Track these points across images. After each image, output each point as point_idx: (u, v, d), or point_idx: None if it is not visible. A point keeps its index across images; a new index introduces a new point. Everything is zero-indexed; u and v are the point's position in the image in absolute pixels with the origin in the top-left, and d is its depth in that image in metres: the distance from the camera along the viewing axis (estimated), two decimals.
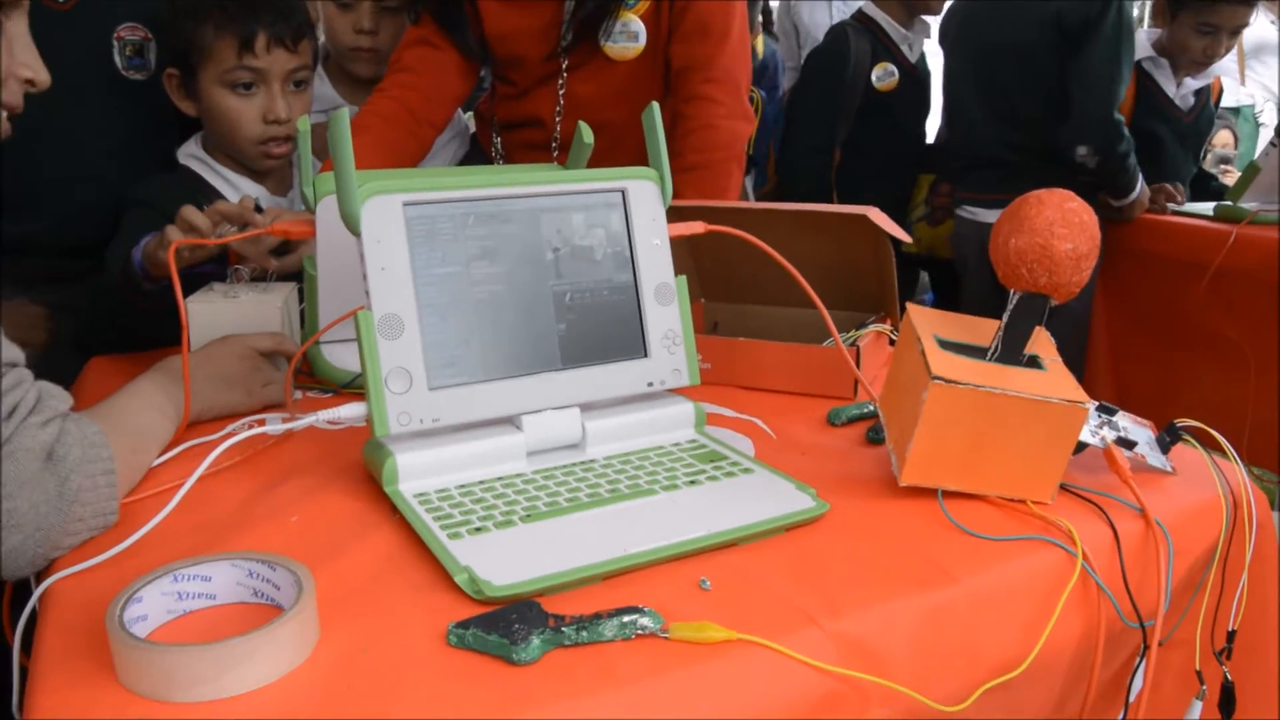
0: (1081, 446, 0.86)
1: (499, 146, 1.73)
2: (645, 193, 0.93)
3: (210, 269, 1.23)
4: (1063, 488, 0.83)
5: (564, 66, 1.57)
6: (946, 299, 2.83)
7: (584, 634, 0.62)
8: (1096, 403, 0.90)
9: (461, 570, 0.68)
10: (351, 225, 0.82)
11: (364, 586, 0.70)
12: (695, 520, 0.76)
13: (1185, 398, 2.28)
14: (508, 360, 0.86)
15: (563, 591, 0.68)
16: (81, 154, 1.40)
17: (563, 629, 0.62)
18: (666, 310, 0.93)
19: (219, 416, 1.01)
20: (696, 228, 0.96)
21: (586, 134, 1.08)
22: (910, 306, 0.90)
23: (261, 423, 1.02)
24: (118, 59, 1.44)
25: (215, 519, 0.80)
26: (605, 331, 0.91)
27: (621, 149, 1.55)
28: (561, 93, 1.59)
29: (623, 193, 0.92)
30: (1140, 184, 2.25)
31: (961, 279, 2.47)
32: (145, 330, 1.23)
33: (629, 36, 1.54)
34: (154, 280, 1.19)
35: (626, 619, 0.62)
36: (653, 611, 0.63)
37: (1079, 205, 0.80)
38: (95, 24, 1.40)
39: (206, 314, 1.10)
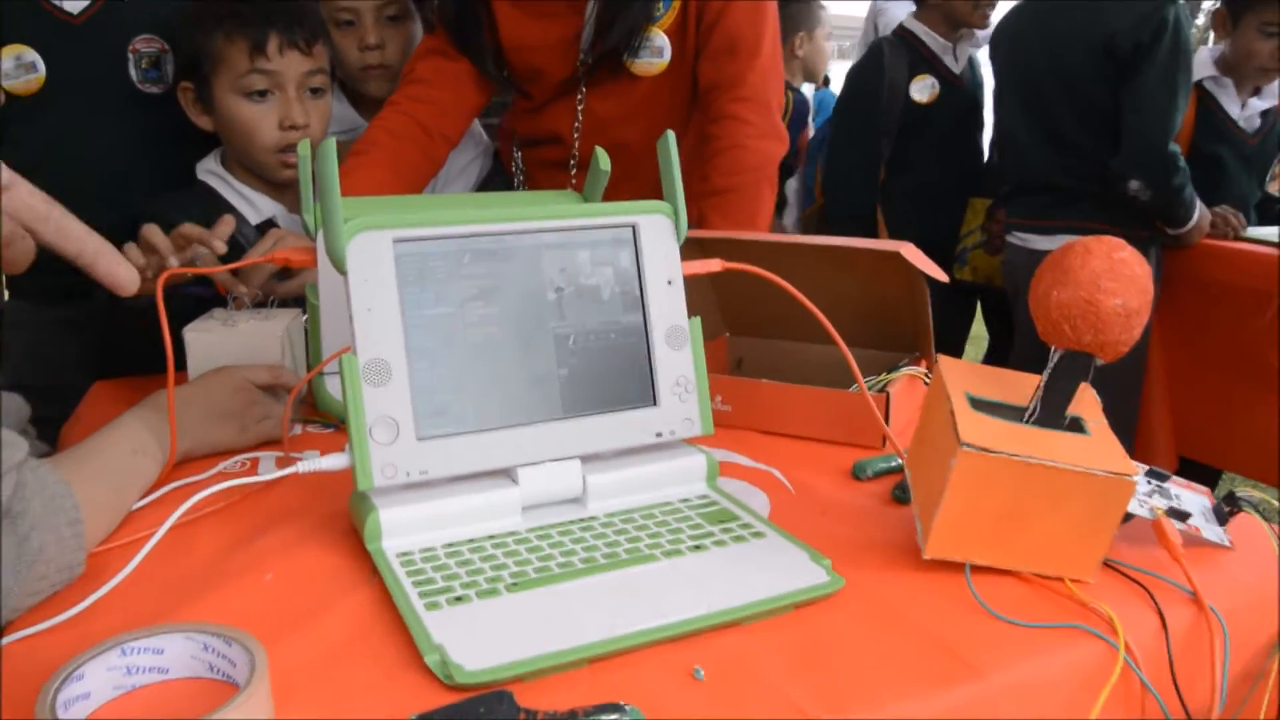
0: (1128, 516, 0.78)
1: (519, 163, 1.68)
2: (658, 228, 0.87)
3: (198, 289, 1.19)
4: (1105, 564, 0.75)
5: (583, 81, 1.51)
6: (1002, 331, 2.73)
7: None
8: (1146, 468, 0.82)
9: (433, 650, 0.63)
10: (337, 263, 0.77)
11: (329, 661, 0.64)
12: (696, 595, 0.69)
13: (1247, 435, 2.16)
14: (503, 408, 0.81)
15: (542, 677, 0.62)
16: (96, 169, 1.37)
17: None
18: (678, 355, 0.87)
19: (210, 453, 0.97)
20: (713, 265, 0.90)
21: (603, 160, 1.02)
22: (941, 360, 0.82)
23: (255, 462, 0.98)
24: (133, 72, 1.41)
25: (187, 573, 0.75)
26: (611, 377, 0.84)
27: (642, 171, 1.49)
28: (580, 109, 1.53)
29: (633, 228, 0.86)
30: (1199, 211, 2.14)
31: (1012, 310, 2.37)
32: (145, 349, 1.20)
33: (653, 52, 1.48)
34: (134, 298, 1.15)
35: (605, 719, 0.56)
36: (635, 710, 0.57)
37: (1130, 256, 0.72)
38: (110, 36, 1.37)
39: (204, 344, 1.06)
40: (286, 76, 1.32)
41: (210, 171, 1.41)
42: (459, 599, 0.69)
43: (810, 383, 1.03)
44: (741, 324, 1.21)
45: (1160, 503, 0.79)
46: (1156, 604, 0.71)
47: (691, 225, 1.48)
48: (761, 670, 0.63)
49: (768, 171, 1.52)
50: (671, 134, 0.87)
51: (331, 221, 0.76)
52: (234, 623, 0.67)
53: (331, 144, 0.76)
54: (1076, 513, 0.71)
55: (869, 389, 1.03)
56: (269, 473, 0.79)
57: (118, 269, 0.68)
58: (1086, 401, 0.78)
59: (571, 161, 1.58)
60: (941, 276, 1.02)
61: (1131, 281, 0.71)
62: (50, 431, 1.07)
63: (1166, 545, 0.76)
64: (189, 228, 1.12)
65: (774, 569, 0.73)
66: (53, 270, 1.37)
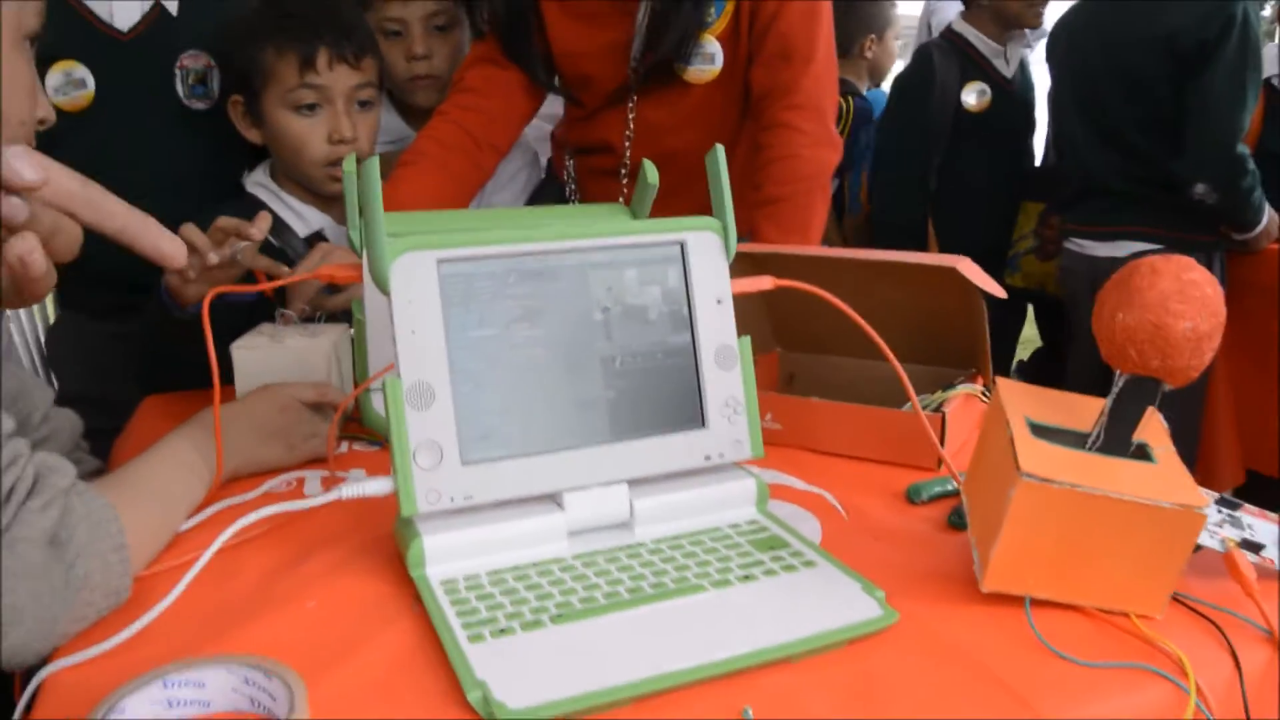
0: (1198, 547, 0.74)
1: (571, 171, 1.67)
2: (706, 245, 0.85)
3: (246, 297, 1.20)
4: (1175, 599, 0.72)
5: (634, 89, 1.50)
6: (1055, 336, 2.66)
7: None
8: (1216, 496, 0.78)
9: (476, 686, 0.61)
10: (381, 284, 0.76)
11: (372, 695, 0.63)
12: (745, 630, 0.67)
13: None
14: (549, 432, 0.79)
15: (586, 715, 0.60)
16: (143, 185, 1.38)
17: None
18: (728, 375, 0.85)
19: (257, 472, 0.97)
20: (764, 283, 0.88)
21: (651, 174, 1.00)
22: (1000, 382, 0.80)
23: (301, 481, 0.98)
24: (180, 88, 1.42)
25: (232, 600, 0.75)
26: (659, 400, 0.83)
27: (695, 181, 1.47)
28: (631, 117, 1.51)
29: (681, 245, 0.84)
30: (1267, 214, 2.06)
31: (1070, 318, 2.31)
32: (193, 364, 1.21)
33: (705, 59, 1.46)
34: (182, 309, 1.16)
35: None
36: None
37: (1201, 276, 0.69)
38: (158, 53, 1.38)
39: (252, 360, 1.06)
40: (335, 90, 1.32)
41: (259, 184, 1.42)
42: (503, 631, 0.67)
43: (863, 400, 1.01)
44: (793, 339, 1.19)
45: (1232, 533, 0.76)
46: (1229, 643, 0.68)
47: (743, 235, 1.47)
48: (812, 710, 0.61)
49: (821, 180, 1.50)
50: (720, 148, 0.86)
51: (375, 241, 0.75)
52: (276, 652, 0.67)
53: (374, 162, 0.76)
54: (1143, 546, 0.68)
55: (924, 407, 1.00)
56: (314, 494, 0.78)
57: (161, 242, 0.67)
58: (1153, 427, 0.75)
59: (623, 170, 1.56)
60: (999, 292, 0.98)
61: (1202, 303, 0.67)
62: (103, 444, 1.08)
63: (1239, 579, 0.72)
64: (224, 220, 1.11)
65: (826, 602, 0.71)
66: (104, 284, 1.40)
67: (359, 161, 1.32)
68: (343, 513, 0.88)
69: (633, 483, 0.81)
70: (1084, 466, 0.69)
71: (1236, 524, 0.78)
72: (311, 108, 1.32)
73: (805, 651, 0.66)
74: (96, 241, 1.38)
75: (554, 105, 1.67)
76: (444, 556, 0.75)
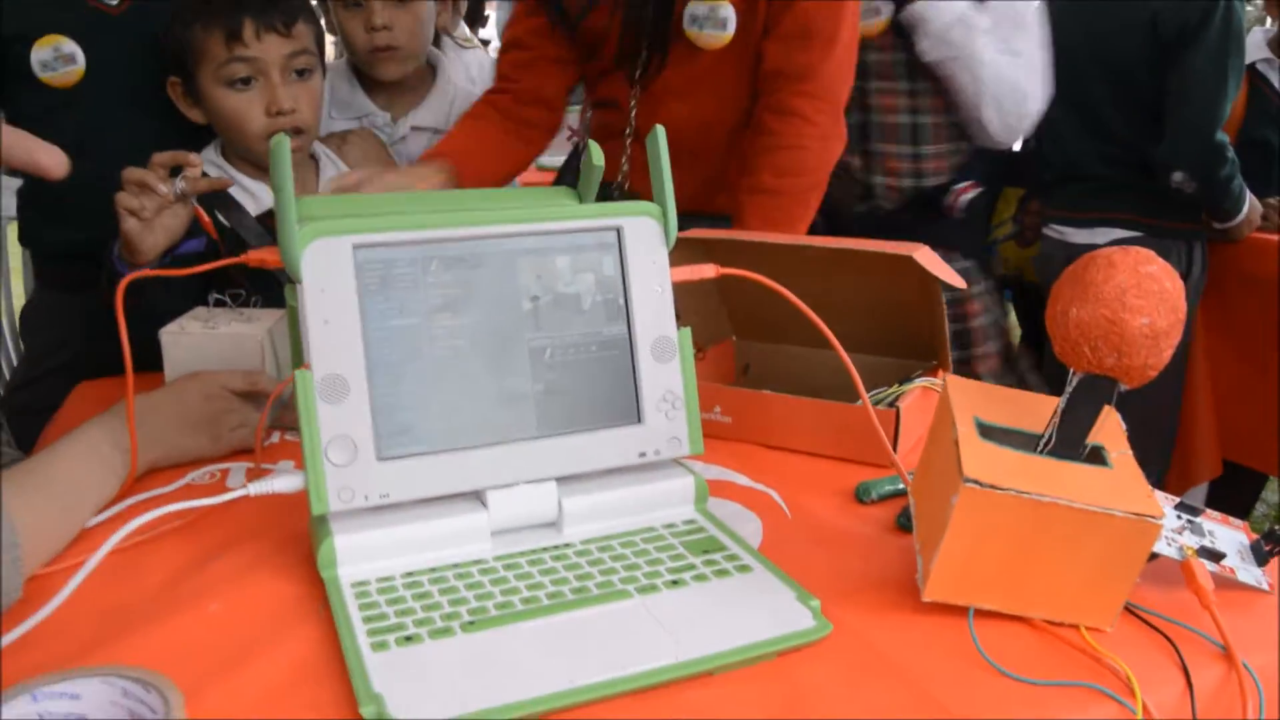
0: (1154, 555, 0.70)
1: (586, 125, 1.62)
2: (644, 231, 0.80)
3: (195, 246, 1.16)
4: (1127, 609, 0.68)
5: (644, 46, 1.44)
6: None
7: None
8: (1176, 501, 0.75)
9: (371, 699, 0.57)
10: (292, 270, 0.71)
11: (265, 706, 0.59)
12: (667, 641, 0.63)
13: None
14: (473, 427, 0.75)
15: None
16: (130, 159, 1.34)
17: None
18: (666, 368, 0.80)
19: (180, 463, 0.92)
20: (706, 271, 0.83)
21: (597, 155, 0.95)
22: (950, 380, 0.75)
23: (225, 473, 0.93)
24: None
25: (131, 602, 0.71)
26: (591, 393, 0.78)
27: (701, 153, 1.43)
28: (639, 76, 1.46)
29: (618, 231, 0.80)
30: (1248, 203, 2.02)
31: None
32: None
33: (717, 24, 1.39)
34: (133, 265, 1.12)
35: None
36: None
37: (1160, 269, 0.64)
38: (147, 27, 1.34)
39: (181, 346, 1.01)
40: (268, 61, 1.27)
41: (210, 161, 1.37)
42: (409, 639, 0.63)
43: (820, 392, 0.96)
44: (749, 328, 1.15)
45: (1191, 540, 0.72)
46: (1182, 659, 0.64)
47: (729, 217, 1.42)
48: None
49: (821, 176, 1.44)
50: (661, 129, 0.81)
51: (284, 225, 0.71)
52: (171, 659, 0.63)
53: (283, 140, 0.71)
54: (1094, 556, 0.64)
55: (880, 401, 0.96)
56: (237, 487, 0.74)
57: (38, 154, 0.65)
58: (1109, 428, 0.71)
59: (628, 132, 1.51)
60: (958, 282, 0.94)
61: (1160, 298, 0.63)
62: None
63: (1195, 590, 0.68)
64: (160, 155, 1.11)
65: (756, 611, 0.67)
66: (81, 256, 1.35)
67: (298, 132, 1.30)
68: (260, 508, 0.83)
69: (562, 480, 0.77)
70: (1033, 471, 0.65)
71: (1197, 530, 0.74)
72: (246, 81, 1.27)
73: (729, 664, 0.62)
74: (76, 212, 1.34)
75: None
76: (357, 557, 0.71)
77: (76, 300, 1.46)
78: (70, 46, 1.33)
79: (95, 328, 1.32)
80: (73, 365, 1.33)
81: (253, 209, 1.35)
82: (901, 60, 1.72)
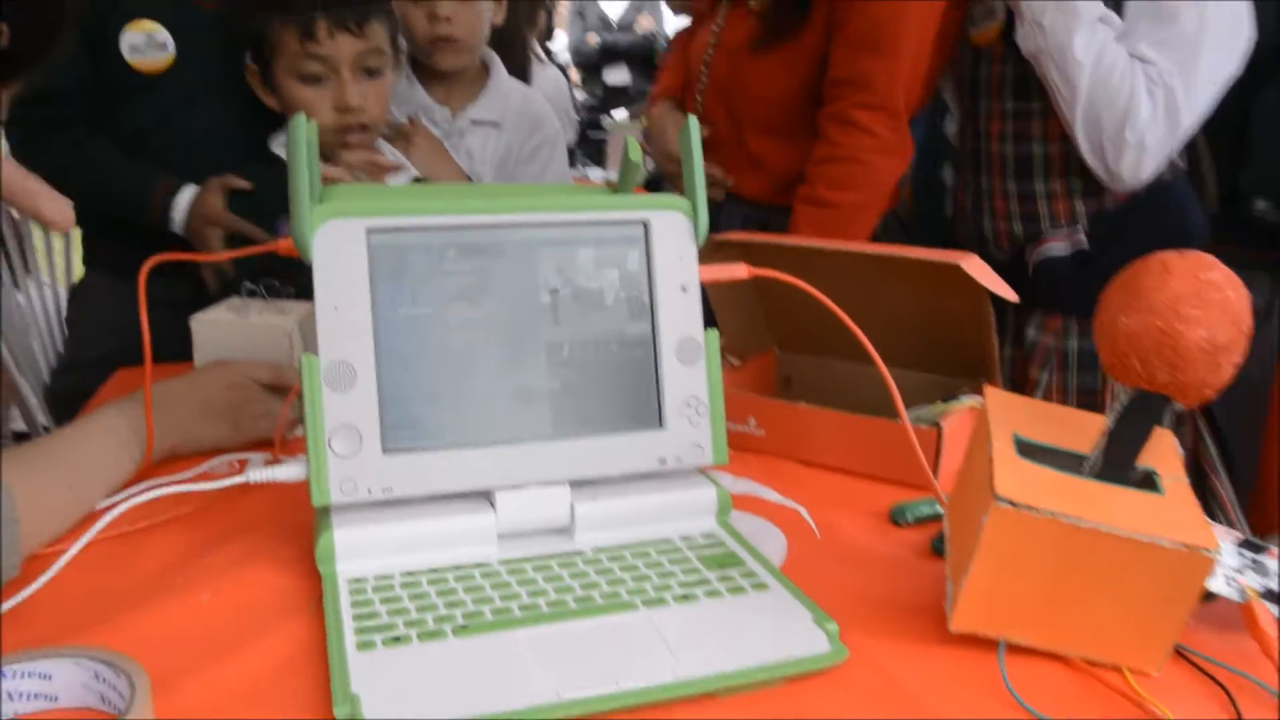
0: (1213, 596, 0.64)
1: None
2: (673, 226, 0.77)
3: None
4: (1178, 652, 0.62)
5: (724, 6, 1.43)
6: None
7: None
8: (1237, 538, 0.68)
9: (346, 700, 0.54)
10: (303, 252, 0.69)
11: (244, 701, 0.57)
12: (667, 657, 0.59)
13: None
14: (484, 423, 0.72)
15: None
16: (204, 157, 1.36)
17: None
18: (691, 371, 0.76)
19: (200, 451, 0.91)
20: (738, 271, 0.79)
21: (634, 151, 0.92)
22: (989, 392, 0.70)
23: (244, 463, 0.92)
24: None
25: (125, 586, 0.69)
26: (610, 394, 0.75)
27: (786, 136, 1.41)
28: (712, 41, 1.44)
29: (644, 225, 0.76)
30: None
31: None
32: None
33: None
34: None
35: None
36: None
37: (1223, 276, 0.58)
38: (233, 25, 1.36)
39: (211, 334, 1.01)
40: (339, 59, 1.28)
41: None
42: (398, 639, 0.60)
43: (864, 409, 0.91)
44: (791, 340, 1.10)
45: (1254, 582, 0.65)
46: (1236, 708, 0.58)
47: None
48: None
49: (882, 193, 1.40)
50: (694, 120, 0.77)
51: (298, 206, 0.69)
52: (156, 646, 0.61)
53: (301, 118, 0.69)
54: (1140, 591, 0.58)
55: (924, 420, 0.91)
56: (219, 481, 0.72)
57: (41, 204, 0.63)
58: (1164, 451, 0.65)
59: (699, 88, 1.51)
60: (1010, 295, 0.88)
61: (1222, 309, 0.57)
62: None
63: (1257, 635, 0.62)
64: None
65: (768, 631, 0.62)
66: (129, 243, 1.37)
67: (364, 128, 1.30)
68: (269, 499, 0.81)
69: (576, 484, 0.74)
70: (1074, 493, 0.60)
71: (1261, 570, 0.68)
72: (318, 78, 1.28)
73: (733, 686, 0.58)
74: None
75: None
76: (357, 552, 0.68)
77: (124, 285, 1.47)
78: (164, 35, 1.36)
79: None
80: (118, 351, 1.35)
81: None
82: (1009, 73, 1.35)
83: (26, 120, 1.32)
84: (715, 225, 1.55)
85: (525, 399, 0.73)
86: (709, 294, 1.03)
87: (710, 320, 0.89)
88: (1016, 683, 0.58)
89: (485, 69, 1.70)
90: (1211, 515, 0.78)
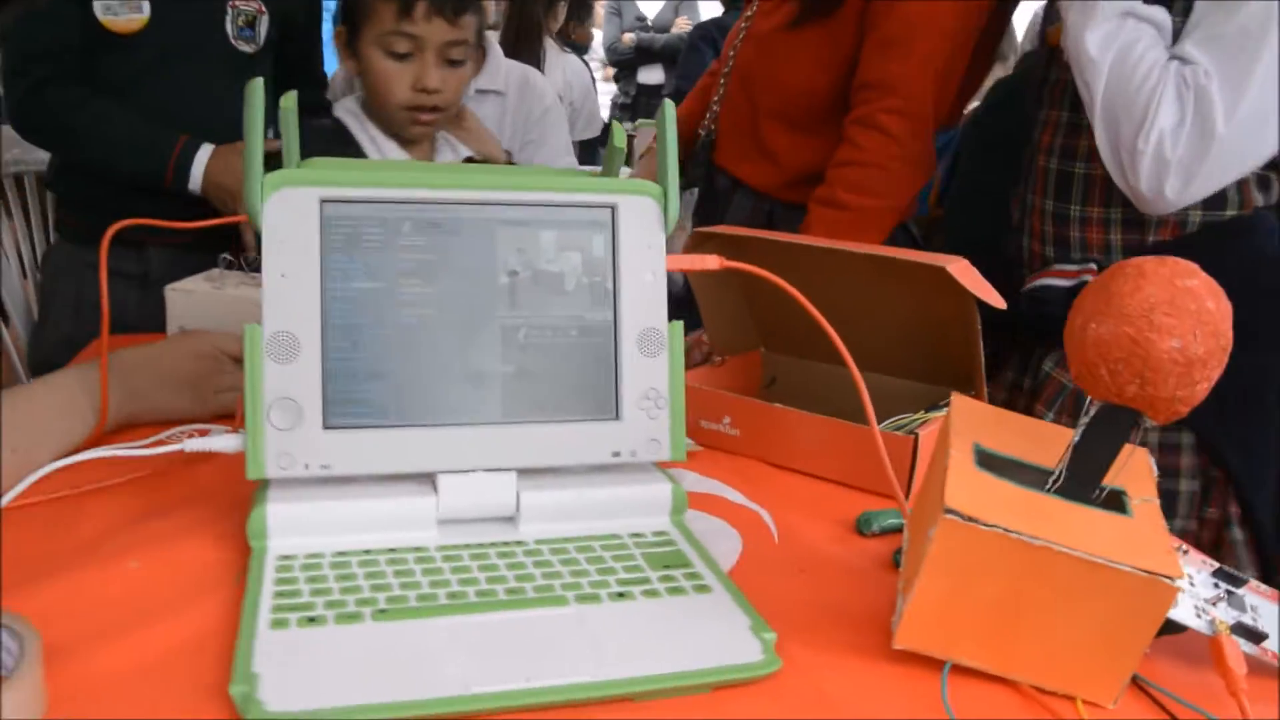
0: (1181, 628, 0.60)
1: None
2: (641, 212, 0.74)
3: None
4: (1135, 683, 0.58)
5: None
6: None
7: None
8: (1213, 567, 0.64)
9: (245, 679, 0.52)
10: (254, 219, 0.67)
11: (149, 672, 0.55)
12: (591, 657, 0.56)
13: None
14: (431, 404, 0.70)
15: None
16: (177, 115, 1.36)
17: None
18: (652, 363, 0.74)
19: (162, 420, 0.89)
20: (709, 262, 0.77)
21: (619, 137, 0.90)
22: (956, 399, 0.67)
23: (204, 434, 0.90)
24: (229, 27, 1.40)
25: (60, 548, 0.67)
26: (566, 382, 0.72)
27: (802, 131, 1.39)
28: (745, 25, 1.42)
29: (612, 210, 0.74)
30: None
31: None
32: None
33: None
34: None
35: None
36: None
37: (1202, 285, 0.55)
38: None
39: (185, 304, 0.99)
40: (428, 42, 1.30)
41: (349, 111, 1.41)
42: (313, 620, 0.58)
43: (848, 414, 0.88)
44: (778, 340, 1.07)
45: (1226, 615, 0.61)
46: None
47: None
48: None
49: (901, 201, 1.36)
50: (670, 104, 0.75)
51: (250, 173, 0.67)
52: (75, 612, 0.60)
53: (258, 84, 0.67)
54: (1096, 616, 0.55)
55: (904, 427, 0.87)
56: (157, 448, 0.70)
57: None
58: (1136, 470, 0.61)
59: (724, 71, 1.51)
60: (997, 301, 0.85)
61: (1198, 319, 0.53)
62: None
63: (1223, 671, 0.58)
64: None
65: (701, 636, 0.59)
66: (99, 210, 1.36)
67: (435, 111, 1.32)
68: (215, 471, 0.80)
69: (524, 473, 0.71)
70: (1032, 509, 0.56)
71: (1236, 604, 0.63)
72: (403, 55, 1.30)
73: (653, 691, 0.55)
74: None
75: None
76: (290, 529, 0.66)
77: (95, 255, 1.46)
78: None
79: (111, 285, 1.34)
80: (90, 320, 1.34)
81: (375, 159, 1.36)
82: (1071, 80, 1.14)
83: (27, 75, 1.32)
84: (723, 214, 1.53)
85: (476, 381, 0.71)
86: (694, 290, 1.00)
87: (692, 316, 0.86)
88: (958, 707, 0.55)
89: (482, 45, 1.73)
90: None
